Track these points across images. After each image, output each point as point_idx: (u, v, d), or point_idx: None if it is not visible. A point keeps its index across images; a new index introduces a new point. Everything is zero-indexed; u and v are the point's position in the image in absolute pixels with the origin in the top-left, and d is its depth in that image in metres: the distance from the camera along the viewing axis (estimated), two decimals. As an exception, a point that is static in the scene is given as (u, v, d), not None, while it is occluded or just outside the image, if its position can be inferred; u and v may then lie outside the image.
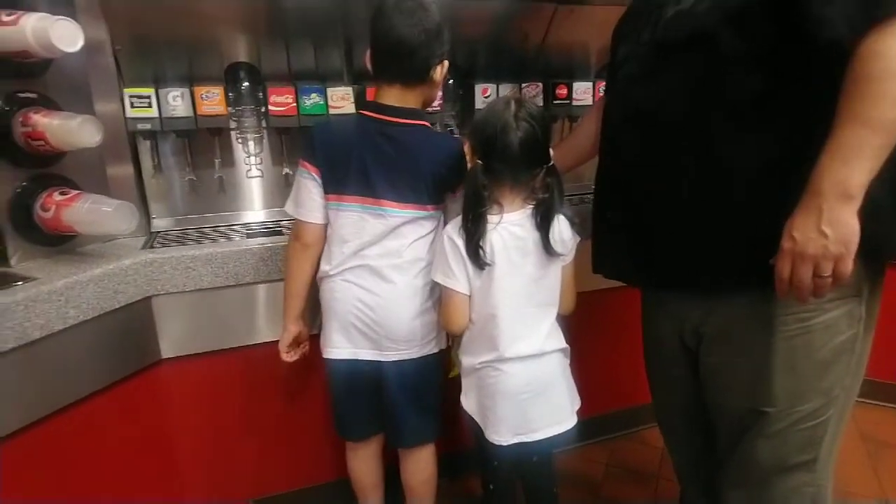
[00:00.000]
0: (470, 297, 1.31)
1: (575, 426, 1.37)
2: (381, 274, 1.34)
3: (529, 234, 1.27)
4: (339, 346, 1.40)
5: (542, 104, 1.94)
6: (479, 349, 1.33)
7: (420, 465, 1.52)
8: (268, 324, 1.59)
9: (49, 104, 1.37)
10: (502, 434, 1.32)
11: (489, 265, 1.25)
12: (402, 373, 1.40)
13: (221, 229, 1.72)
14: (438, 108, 1.82)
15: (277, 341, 1.48)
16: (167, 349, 1.51)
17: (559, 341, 1.37)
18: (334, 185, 1.33)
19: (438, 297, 1.39)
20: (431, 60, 1.30)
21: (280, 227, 1.74)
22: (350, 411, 1.49)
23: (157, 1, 1.45)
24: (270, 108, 1.62)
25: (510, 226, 1.27)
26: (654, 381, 1.50)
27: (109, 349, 1.40)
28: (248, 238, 1.62)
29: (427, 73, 1.31)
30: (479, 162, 1.25)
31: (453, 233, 1.28)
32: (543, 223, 1.27)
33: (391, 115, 1.31)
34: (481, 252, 1.25)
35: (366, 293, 1.35)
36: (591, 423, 2.01)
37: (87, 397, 1.36)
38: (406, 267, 1.35)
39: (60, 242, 1.43)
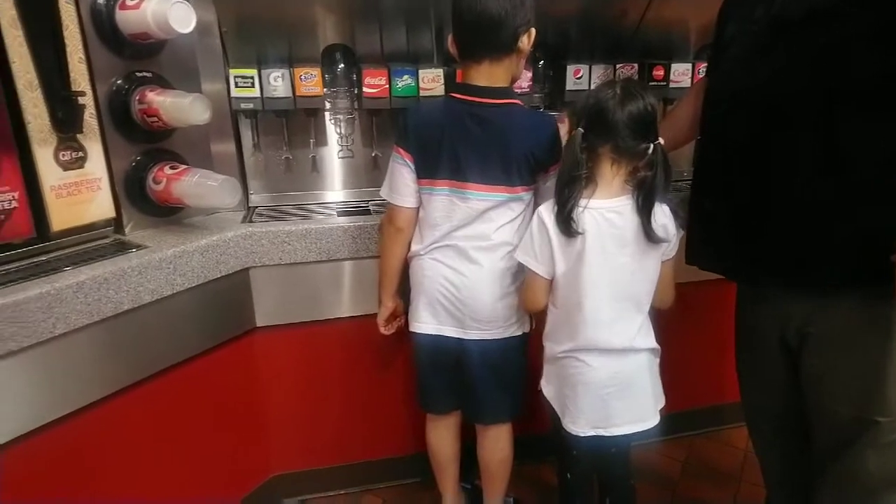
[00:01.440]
0: (553, 281, 1.29)
1: (657, 425, 1.33)
2: (467, 255, 1.35)
3: (628, 222, 1.21)
4: (425, 322, 1.42)
5: (636, 85, 1.87)
6: (564, 337, 1.31)
7: (498, 445, 1.53)
8: (353, 298, 1.64)
9: (163, 83, 1.46)
10: (580, 425, 1.30)
11: (579, 234, 1.20)
12: (484, 352, 1.41)
13: (313, 206, 1.79)
14: (527, 89, 1.79)
15: (362, 316, 1.52)
16: (261, 318, 1.59)
17: (650, 340, 1.31)
18: (426, 170, 1.34)
19: (522, 280, 1.38)
20: (518, 29, 1.26)
21: (367, 206, 1.78)
22: (432, 384, 1.52)
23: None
24: (364, 89, 1.65)
25: (606, 212, 1.21)
26: (747, 381, 1.43)
27: (210, 315, 1.49)
28: (338, 216, 1.68)
29: (514, 44, 1.28)
30: (581, 130, 1.21)
31: (544, 212, 1.26)
32: (645, 205, 1.20)
33: (480, 95, 1.30)
34: (573, 223, 1.20)
35: (452, 272, 1.37)
36: (671, 418, 1.94)
37: (188, 360, 1.46)
38: (492, 249, 1.35)
39: (168, 214, 1.54)
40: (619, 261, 1.22)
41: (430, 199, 1.36)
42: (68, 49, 1.29)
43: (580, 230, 1.20)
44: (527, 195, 1.36)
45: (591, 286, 1.23)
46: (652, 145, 1.19)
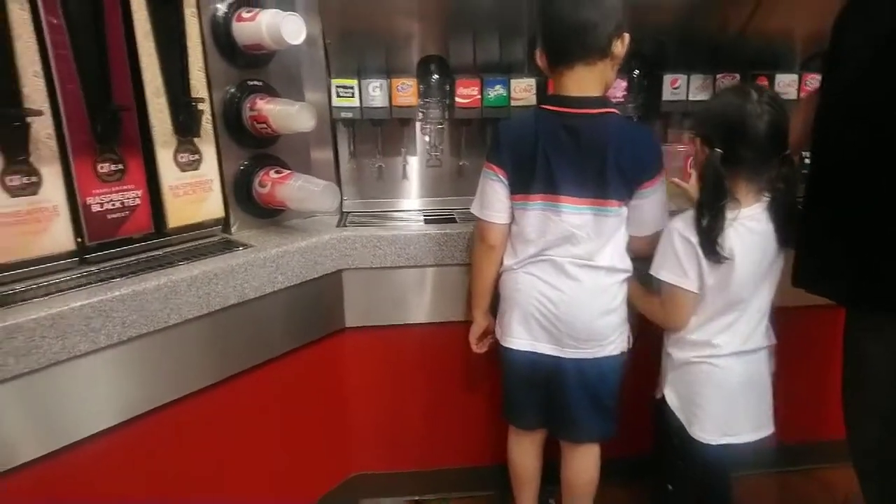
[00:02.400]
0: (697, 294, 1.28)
1: (773, 433, 1.34)
2: (564, 270, 1.32)
3: (765, 227, 1.24)
4: (519, 337, 1.39)
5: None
6: (699, 343, 1.30)
7: (585, 464, 1.49)
8: (437, 305, 1.65)
9: (271, 91, 1.55)
10: (709, 432, 1.30)
11: (728, 259, 1.21)
12: (581, 371, 1.37)
13: (401, 213, 1.83)
14: (622, 99, 1.76)
15: (446, 322, 1.52)
16: (351, 319, 1.64)
17: (771, 337, 1.34)
18: (520, 185, 1.32)
19: (624, 297, 1.36)
20: (612, 32, 1.23)
21: (453, 215, 1.80)
22: (522, 400, 1.49)
23: (366, -3, 1.57)
24: (457, 99, 1.68)
25: (748, 221, 1.23)
26: (856, 417, 1.32)
27: (304, 314, 1.55)
28: (425, 223, 1.71)
29: (608, 47, 1.24)
30: (718, 150, 1.20)
31: (685, 229, 1.25)
32: (779, 216, 1.23)
33: (573, 106, 1.27)
34: (718, 248, 1.21)
35: (549, 287, 1.34)
36: (762, 452, 1.84)
37: (281, 355, 1.52)
38: (594, 268, 1.32)
39: (271, 215, 1.61)
40: (761, 264, 1.26)
41: (523, 214, 1.33)
42: (190, 59, 1.39)
43: (726, 254, 1.22)
44: (622, 209, 1.32)
45: (740, 293, 1.26)
46: (784, 157, 1.21)
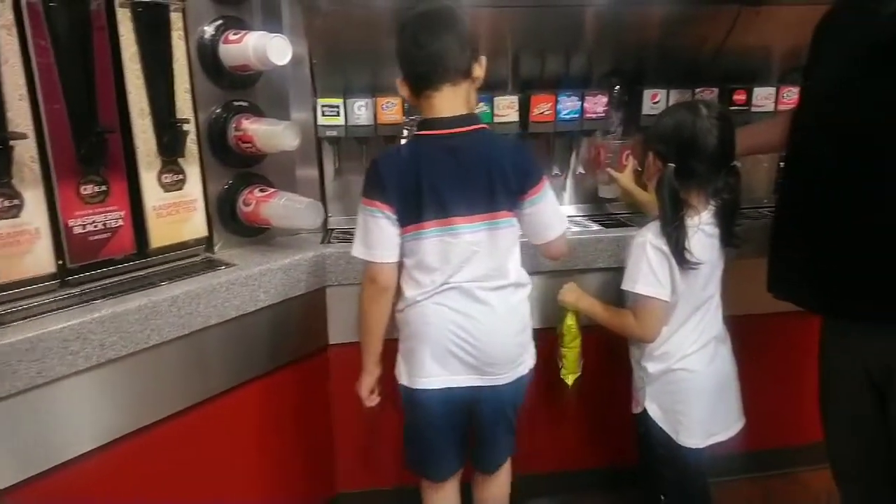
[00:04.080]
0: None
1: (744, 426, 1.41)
2: (474, 295, 1.28)
3: (715, 230, 1.32)
4: (434, 375, 1.30)
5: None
6: (675, 349, 1.33)
7: (503, 480, 1.50)
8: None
9: (257, 111, 1.56)
10: (697, 436, 1.33)
11: (700, 263, 1.27)
12: (499, 397, 1.34)
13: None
14: (603, 115, 1.78)
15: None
16: (335, 335, 1.64)
17: (725, 329, 1.40)
18: (410, 216, 1.25)
19: (529, 313, 1.36)
20: (470, 55, 1.25)
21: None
22: (441, 447, 1.40)
23: (352, 18, 1.59)
24: (441, 116, 1.70)
25: (704, 226, 1.30)
26: (832, 421, 1.34)
27: (288, 331, 1.55)
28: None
29: (470, 69, 1.26)
30: (672, 165, 1.26)
31: (656, 239, 1.28)
32: (725, 219, 1.31)
33: (448, 126, 1.25)
34: (688, 254, 1.26)
35: (462, 317, 1.28)
36: (744, 457, 1.85)
37: (264, 374, 1.51)
38: (501, 288, 1.30)
39: (255, 234, 1.62)
40: (715, 263, 1.34)
41: (419, 245, 1.27)
42: (176, 80, 1.41)
43: (695, 259, 1.27)
44: (513, 220, 1.31)
45: (705, 295, 1.33)
46: (731, 167, 1.28)
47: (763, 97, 1.82)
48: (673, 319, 1.34)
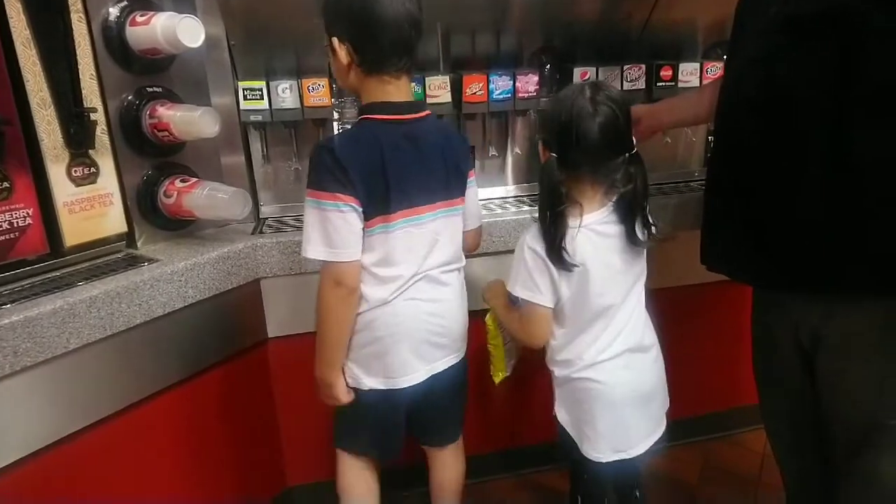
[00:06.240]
0: (555, 308, 1.24)
1: (666, 429, 1.32)
2: (438, 280, 1.27)
3: (617, 229, 1.20)
4: (416, 370, 1.26)
5: (645, 87, 1.86)
6: (572, 359, 1.25)
7: (460, 459, 1.49)
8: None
9: (172, 97, 1.48)
10: (601, 451, 1.25)
11: (577, 267, 1.17)
12: (456, 374, 1.35)
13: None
14: (534, 94, 1.78)
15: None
16: (273, 328, 1.60)
17: (653, 334, 1.31)
18: (378, 208, 1.16)
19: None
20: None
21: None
22: (393, 433, 1.35)
23: (269, -3, 1.51)
24: (372, 98, 1.66)
25: (597, 225, 1.19)
26: (763, 384, 1.41)
27: (222, 327, 1.50)
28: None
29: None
30: (554, 155, 1.16)
31: (532, 240, 1.20)
32: (628, 216, 1.19)
33: (407, 112, 1.18)
34: (565, 254, 1.16)
35: (432, 304, 1.26)
36: (685, 423, 1.93)
37: (201, 371, 1.46)
38: (459, 270, 1.32)
39: (180, 227, 1.55)
40: (617, 266, 1.22)
41: (385, 239, 1.18)
42: (80, 66, 1.31)
43: (576, 261, 1.17)
44: (462, 206, 1.30)
45: (603, 300, 1.22)
46: (628, 156, 1.16)
47: (688, 73, 1.86)
48: (569, 325, 1.24)
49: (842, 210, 1.03)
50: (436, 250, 1.25)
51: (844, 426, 1.18)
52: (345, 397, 1.27)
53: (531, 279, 1.20)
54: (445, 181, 1.24)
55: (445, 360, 1.32)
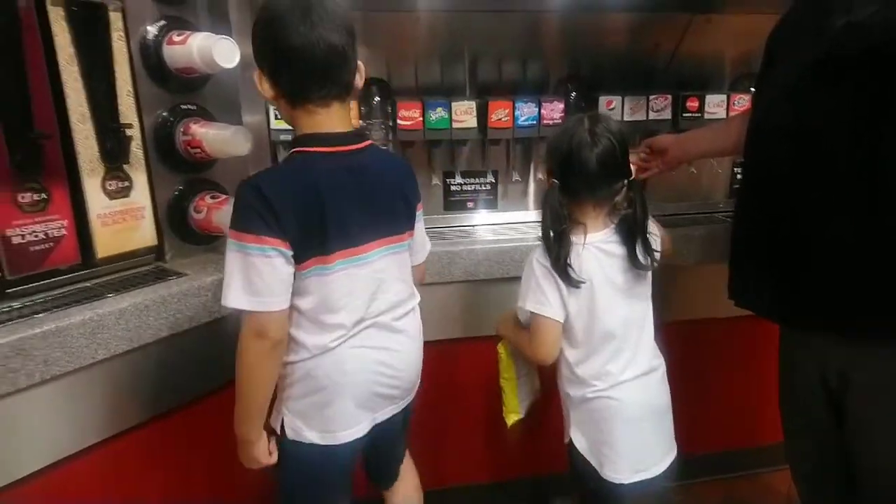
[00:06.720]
0: (566, 326, 1.25)
1: (685, 462, 1.32)
2: (391, 327, 1.17)
3: (619, 249, 1.25)
4: (358, 423, 1.16)
5: (671, 117, 1.87)
6: (588, 379, 1.26)
7: (413, 479, 1.44)
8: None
9: (206, 115, 1.51)
10: (622, 471, 1.24)
11: (583, 282, 1.21)
12: (406, 414, 1.29)
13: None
14: (560, 121, 1.80)
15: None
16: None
17: (660, 356, 1.32)
18: (312, 250, 1.06)
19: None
20: (353, 64, 1.08)
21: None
22: (344, 486, 1.27)
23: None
24: (399, 122, 1.69)
25: (602, 244, 1.24)
26: (789, 424, 1.37)
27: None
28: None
29: (352, 82, 1.09)
30: (556, 181, 1.22)
31: (541, 257, 1.24)
32: (629, 238, 1.23)
33: (345, 143, 1.09)
34: (570, 270, 1.20)
35: (384, 353, 1.16)
36: (708, 459, 1.90)
37: (227, 384, 1.45)
38: (412, 312, 1.23)
39: (208, 242, 1.57)
40: (623, 287, 1.25)
41: (322, 281, 1.08)
42: (118, 83, 1.35)
43: (582, 277, 1.21)
44: (410, 240, 1.22)
45: (611, 318, 1.24)
46: (626, 182, 1.22)
47: (715, 104, 1.86)
48: (582, 346, 1.26)
49: (874, 247, 1.02)
50: (382, 292, 1.15)
51: (873, 473, 1.15)
52: (265, 459, 1.16)
53: (540, 291, 1.23)
54: (391, 215, 1.16)
55: (392, 407, 1.22)
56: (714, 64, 1.94)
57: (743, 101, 1.87)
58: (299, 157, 1.08)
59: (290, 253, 1.03)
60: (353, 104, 1.13)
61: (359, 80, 1.11)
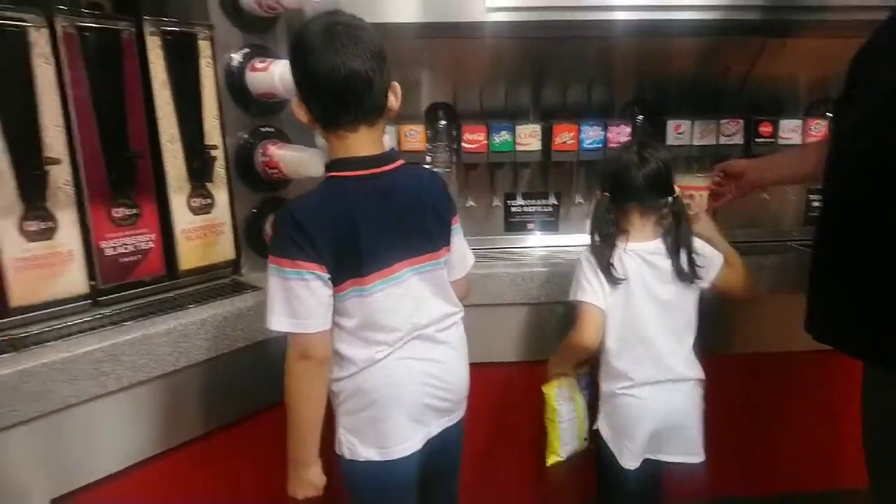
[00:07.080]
0: (606, 316, 1.37)
1: (703, 462, 1.40)
2: (435, 339, 1.19)
3: (665, 262, 1.36)
4: (411, 437, 1.16)
5: (743, 142, 1.82)
6: (619, 374, 1.38)
7: None
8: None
9: (283, 137, 1.59)
10: (636, 460, 1.37)
11: (623, 280, 1.35)
12: (460, 430, 1.28)
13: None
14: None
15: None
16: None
17: (697, 370, 1.39)
18: (348, 273, 1.09)
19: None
20: (386, 85, 1.10)
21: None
22: None
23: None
24: (464, 145, 1.72)
25: (646, 254, 1.36)
26: (875, 465, 1.29)
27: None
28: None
29: (386, 102, 1.11)
30: (606, 194, 1.40)
31: (588, 255, 1.40)
32: (675, 252, 1.36)
33: (375, 165, 1.11)
34: (612, 269, 1.35)
35: (430, 364, 1.18)
36: (782, 499, 1.79)
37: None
38: (454, 326, 1.23)
39: (280, 257, 1.63)
40: (663, 297, 1.36)
41: (361, 302, 1.10)
42: (205, 107, 1.44)
43: (622, 276, 1.35)
44: (447, 255, 1.21)
45: (641, 321, 1.36)
46: (671, 199, 1.37)
47: (790, 129, 1.80)
48: (616, 337, 1.38)
49: None
50: (422, 308, 1.16)
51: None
52: (319, 481, 1.17)
53: (587, 281, 1.38)
54: (426, 233, 1.16)
55: (444, 420, 1.22)
56: (788, 88, 1.89)
57: (819, 127, 1.80)
58: (332, 182, 1.11)
59: (328, 276, 1.07)
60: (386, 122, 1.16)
61: (394, 101, 1.13)
